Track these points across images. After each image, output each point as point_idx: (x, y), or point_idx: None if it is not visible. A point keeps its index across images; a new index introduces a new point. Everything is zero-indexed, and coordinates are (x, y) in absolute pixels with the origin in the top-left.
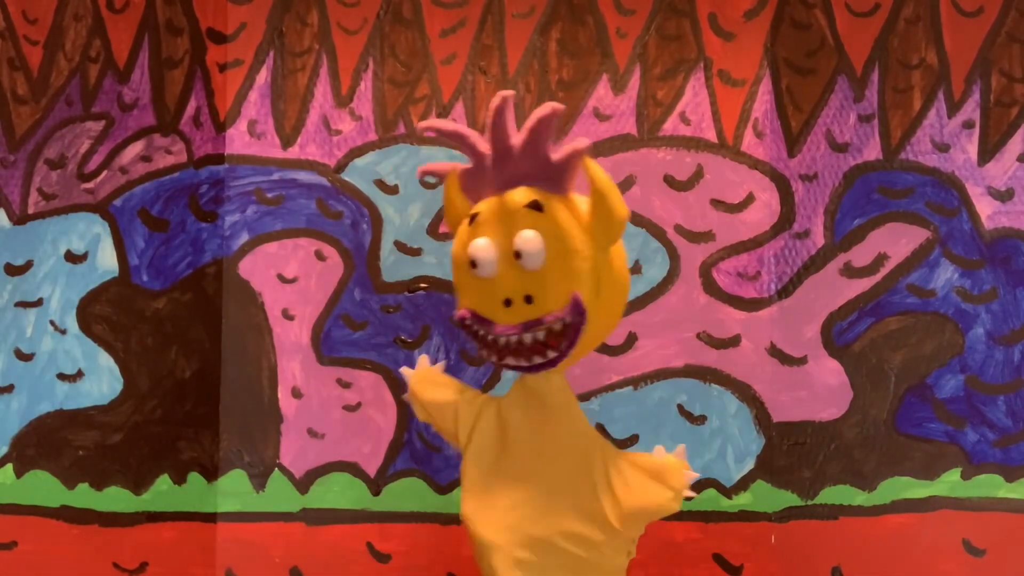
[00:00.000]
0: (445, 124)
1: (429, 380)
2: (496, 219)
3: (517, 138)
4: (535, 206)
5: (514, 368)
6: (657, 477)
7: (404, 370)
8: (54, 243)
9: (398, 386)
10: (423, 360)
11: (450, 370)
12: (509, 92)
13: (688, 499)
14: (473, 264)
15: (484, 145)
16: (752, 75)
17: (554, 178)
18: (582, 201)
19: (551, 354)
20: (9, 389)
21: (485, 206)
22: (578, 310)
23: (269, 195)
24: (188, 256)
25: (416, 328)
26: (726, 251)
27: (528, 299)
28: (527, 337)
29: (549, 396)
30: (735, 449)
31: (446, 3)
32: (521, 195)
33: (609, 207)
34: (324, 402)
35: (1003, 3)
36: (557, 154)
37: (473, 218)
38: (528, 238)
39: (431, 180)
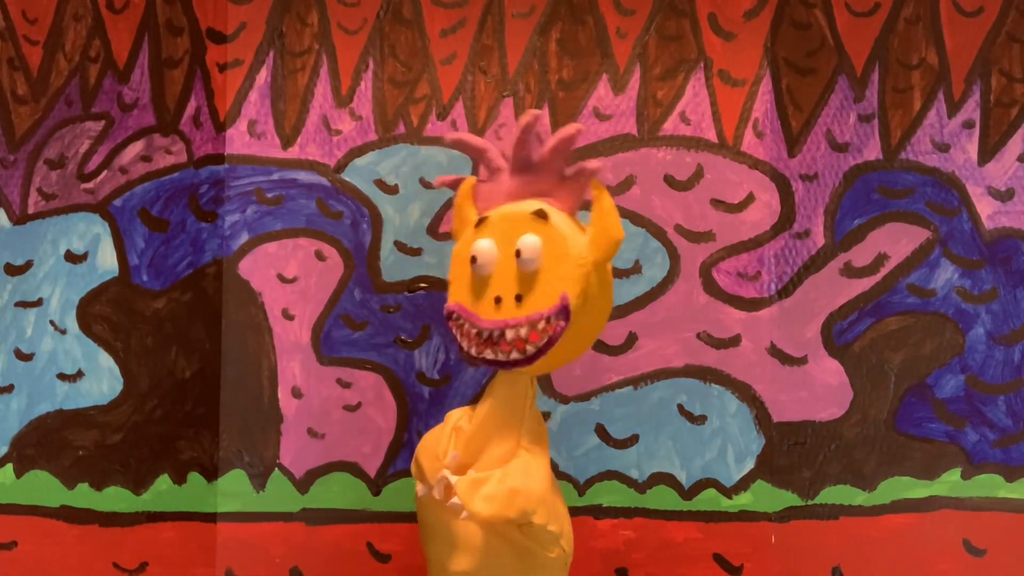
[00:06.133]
0: (471, 139)
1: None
2: (503, 224)
3: (538, 153)
4: (541, 215)
5: (491, 363)
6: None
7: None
8: (54, 243)
9: (398, 386)
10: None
11: (450, 370)
12: (538, 111)
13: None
14: (473, 260)
15: (501, 160)
16: (752, 75)
17: (563, 194)
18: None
19: (529, 349)
20: (9, 389)
21: (494, 212)
22: (564, 311)
23: (269, 195)
24: (188, 256)
25: (416, 328)
26: (726, 251)
27: (518, 299)
28: (509, 332)
29: (510, 386)
30: (735, 449)
31: (446, 3)
32: (529, 205)
33: (608, 225)
34: (324, 402)
35: (1003, 3)
36: (570, 170)
37: (481, 221)
38: (530, 238)
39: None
